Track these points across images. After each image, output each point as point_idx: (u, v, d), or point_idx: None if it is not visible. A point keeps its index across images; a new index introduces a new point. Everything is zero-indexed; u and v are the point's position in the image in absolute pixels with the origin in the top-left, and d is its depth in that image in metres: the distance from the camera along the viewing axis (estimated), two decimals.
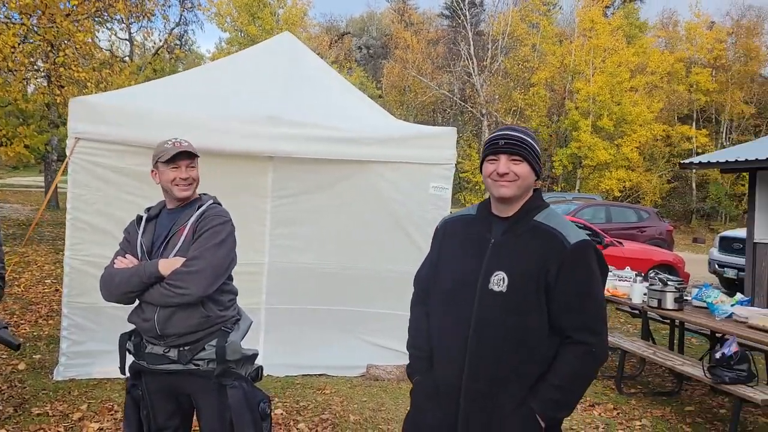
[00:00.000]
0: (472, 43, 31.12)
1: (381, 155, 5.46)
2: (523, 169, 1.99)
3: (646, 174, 29.17)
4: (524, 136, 2.01)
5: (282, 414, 4.53)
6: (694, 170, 25.61)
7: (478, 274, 2.00)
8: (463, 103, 33.01)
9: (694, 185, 31.25)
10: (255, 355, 2.67)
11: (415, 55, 35.13)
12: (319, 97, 5.90)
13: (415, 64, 34.49)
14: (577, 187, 28.77)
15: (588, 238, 2.00)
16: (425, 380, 2.12)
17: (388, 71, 37.82)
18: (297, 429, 4.31)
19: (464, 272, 2.04)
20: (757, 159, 7.61)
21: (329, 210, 5.48)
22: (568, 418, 4.77)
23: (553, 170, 29.87)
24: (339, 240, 5.50)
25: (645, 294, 5.84)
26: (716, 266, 11.98)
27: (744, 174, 16.71)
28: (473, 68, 30.60)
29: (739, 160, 7.99)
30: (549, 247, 1.96)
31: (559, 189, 29.14)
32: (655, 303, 5.67)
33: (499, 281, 1.96)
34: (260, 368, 2.73)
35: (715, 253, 12.14)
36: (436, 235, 2.23)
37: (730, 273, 11.20)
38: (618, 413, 5.00)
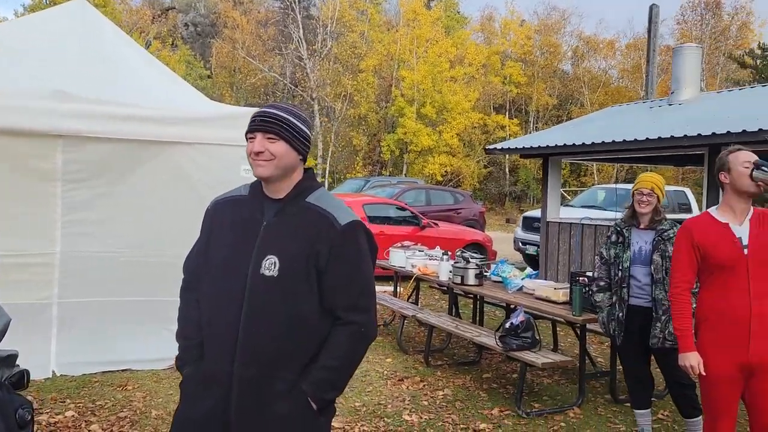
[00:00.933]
0: (302, 26, 30.91)
1: (187, 136, 5.21)
2: (279, 147, 1.93)
3: (465, 160, 31.19)
4: (283, 114, 1.96)
5: (73, 416, 4.17)
6: (498, 155, 27.89)
7: (249, 257, 1.95)
8: (294, 87, 32.76)
9: (507, 170, 34.00)
10: (14, 356, 2.39)
11: (244, 35, 34.10)
12: (118, 72, 5.46)
13: (245, 45, 33.49)
14: (404, 172, 29.98)
15: (358, 219, 2.02)
16: (196, 370, 2.04)
17: (217, 51, 36.34)
18: (89, 431, 3.99)
19: (235, 256, 1.97)
20: (548, 146, 8.43)
21: (130, 195, 5.12)
22: (377, 393, 4.97)
23: (381, 155, 30.82)
24: (140, 227, 5.16)
25: (451, 272, 6.24)
26: (520, 244, 13.13)
27: None
28: (303, 52, 30.44)
29: (533, 146, 8.80)
30: (319, 228, 1.95)
31: (388, 173, 30.17)
32: (459, 280, 6.07)
33: (270, 265, 1.92)
34: (24, 372, 2.44)
35: (519, 232, 13.30)
36: (206, 217, 2.13)
37: (531, 250, 12.34)
38: (424, 385, 5.28)
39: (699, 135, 6.37)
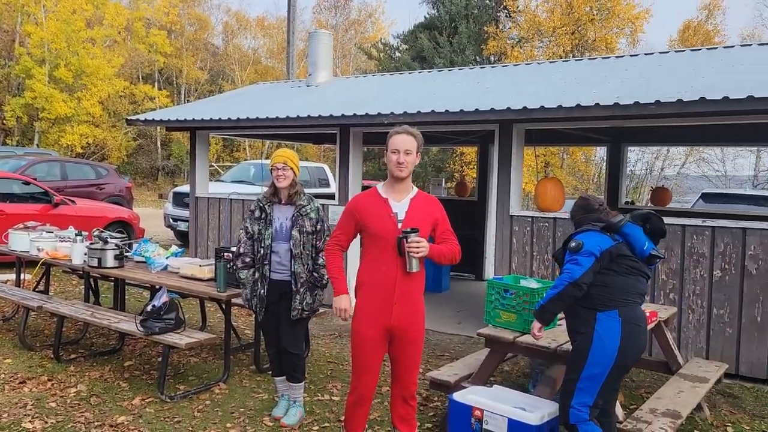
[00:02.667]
0: None
1: None
2: None
3: (111, 131, 28.68)
4: None
5: None
6: (149, 127, 26.51)
7: None
8: None
9: (159, 143, 32.39)
10: None
11: None
12: None
13: None
14: (35, 142, 26.12)
15: None
16: None
17: None
18: None
19: None
20: (194, 119, 8.22)
21: None
22: None
23: (4, 122, 26.27)
24: None
25: (86, 254, 5.62)
26: (171, 220, 12.67)
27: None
28: None
29: (179, 119, 8.48)
30: None
31: (14, 143, 25.90)
32: (95, 262, 5.51)
33: None
34: None
35: (170, 207, 12.82)
36: None
37: (183, 226, 12.02)
38: (53, 384, 4.68)
39: (331, 116, 6.94)
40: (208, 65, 35.83)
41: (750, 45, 7.66)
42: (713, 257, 5.40)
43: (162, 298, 4.74)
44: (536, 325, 3.39)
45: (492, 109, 6.02)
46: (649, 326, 4.31)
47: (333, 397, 4.68)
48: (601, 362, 3.14)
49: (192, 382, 4.87)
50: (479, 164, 10.91)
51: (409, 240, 3.08)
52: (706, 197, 11.29)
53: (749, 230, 5.25)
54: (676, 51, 8.06)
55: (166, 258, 5.61)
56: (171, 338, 4.50)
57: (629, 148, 11.51)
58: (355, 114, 6.81)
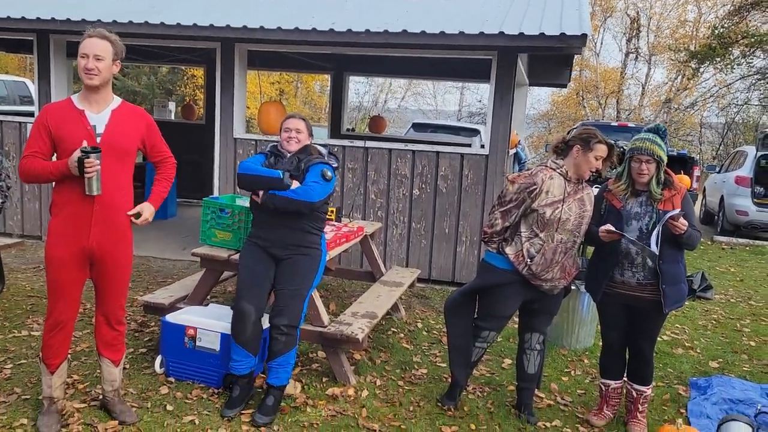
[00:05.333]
0: None
1: None
2: None
3: None
4: None
5: None
6: None
7: None
8: None
9: None
10: None
11: None
12: None
13: None
14: None
15: None
16: None
17: None
18: None
19: None
20: None
21: None
22: None
23: None
24: None
25: None
26: None
27: None
28: None
29: None
30: None
31: None
32: None
33: None
34: None
35: None
36: None
37: None
38: None
39: (24, 18, 5.99)
40: None
41: None
42: (413, 178, 6.07)
43: None
44: None
45: (211, 25, 5.80)
46: (357, 240, 4.75)
47: (33, 333, 4.28)
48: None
49: None
50: (206, 86, 10.52)
51: (85, 161, 2.76)
52: (417, 127, 12.54)
53: (441, 153, 6.00)
54: None
55: None
56: None
57: (352, 77, 12.11)
58: (54, 18, 5.98)
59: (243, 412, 3.36)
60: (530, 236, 3.29)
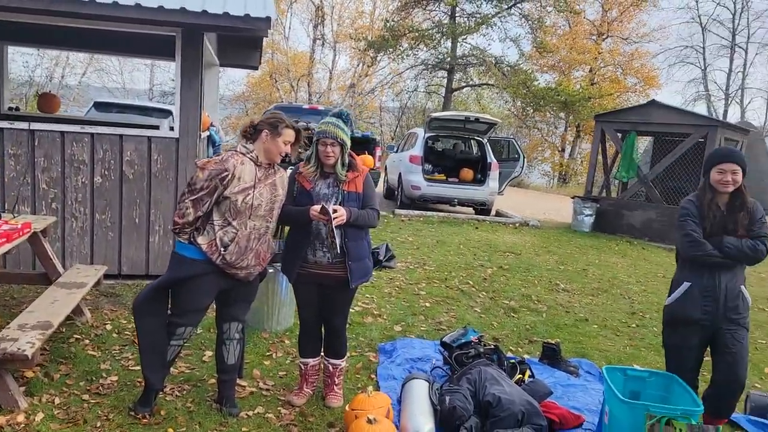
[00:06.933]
0: None
1: None
2: None
3: None
4: None
5: None
6: None
7: None
8: None
9: None
10: None
11: None
12: None
13: None
14: None
15: None
16: None
17: None
18: None
19: None
20: None
21: None
22: None
23: None
24: None
25: None
26: None
27: None
28: None
29: None
30: None
31: None
32: None
33: None
34: None
35: None
36: None
37: None
38: None
39: None
40: None
41: None
42: (94, 164, 5.43)
43: None
44: None
45: None
46: (22, 238, 4.06)
47: None
48: None
49: None
50: None
51: None
52: (99, 106, 11.27)
53: (126, 137, 5.48)
54: None
55: None
56: None
57: (13, 47, 10.34)
58: None
59: None
60: (223, 225, 3.18)
